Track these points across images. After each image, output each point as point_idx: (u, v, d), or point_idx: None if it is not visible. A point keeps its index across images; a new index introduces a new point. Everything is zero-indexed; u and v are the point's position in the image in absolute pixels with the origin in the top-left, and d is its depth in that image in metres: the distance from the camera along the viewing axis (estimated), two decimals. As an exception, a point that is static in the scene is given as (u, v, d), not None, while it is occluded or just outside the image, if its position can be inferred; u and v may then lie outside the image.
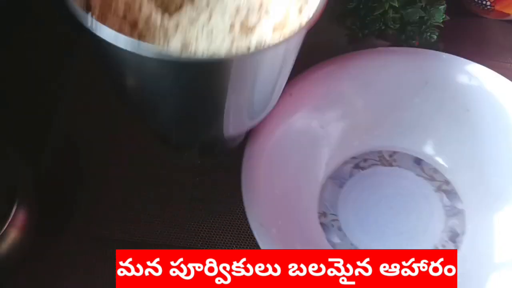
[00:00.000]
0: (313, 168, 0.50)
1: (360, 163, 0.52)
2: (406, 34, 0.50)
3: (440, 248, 0.47)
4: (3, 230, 0.39)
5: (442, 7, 0.50)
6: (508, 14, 0.64)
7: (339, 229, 0.48)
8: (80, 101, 0.54)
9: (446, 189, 0.50)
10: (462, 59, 0.50)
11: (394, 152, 0.52)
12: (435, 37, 0.50)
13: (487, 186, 0.48)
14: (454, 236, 0.47)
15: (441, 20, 0.50)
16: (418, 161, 0.51)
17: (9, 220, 0.40)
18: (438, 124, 0.51)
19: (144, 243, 0.47)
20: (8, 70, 0.55)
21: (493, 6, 0.63)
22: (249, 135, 0.46)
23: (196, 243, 0.48)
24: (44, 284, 0.45)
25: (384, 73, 0.51)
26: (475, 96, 0.49)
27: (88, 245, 0.47)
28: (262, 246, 0.41)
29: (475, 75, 0.49)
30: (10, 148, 0.43)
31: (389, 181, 0.51)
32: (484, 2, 0.63)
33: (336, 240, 0.48)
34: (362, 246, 0.47)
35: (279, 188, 0.47)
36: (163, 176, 0.50)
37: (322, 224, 0.48)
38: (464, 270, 0.42)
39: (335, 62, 0.51)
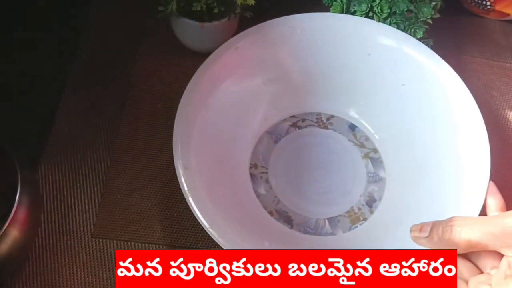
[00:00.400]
0: (252, 121, 0.52)
1: (298, 122, 0.54)
2: (391, 25, 0.50)
3: (356, 210, 0.49)
4: (3, 230, 0.39)
5: (434, 3, 0.50)
6: (508, 14, 0.64)
7: (267, 181, 0.50)
8: (81, 101, 0.54)
9: (373, 157, 0.52)
10: (406, 35, 0.51)
11: (332, 116, 0.54)
12: (421, 33, 0.50)
13: (410, 159, 0.50)
14: (371, 201, 0.50)
15: (430, 16, 0.50)
16: (352, 127, 0.54)
17: (9, 220, 0.40)
18: (375, 94, 0.53)
19: (144, 243, 0.47)
20: (8, 70, 0.55)
21: (493, 6, 0.63)
22: (191, 82, 0.47)
23: (196, 243, 0.48)
24: (44, 284, 0.45)
25: (330, 38, 0.52)
26: (412, 72, 0.51)
27: (88, 245, 0.47)
28: (184, 188, 0.42)
29: (414, 52, 0.50)
30: (10, 148, 0.43)
31: (322, 143, 0.53)
32: (484, 2, 0.63)
33: (261, 191, 0.50)
34: (285, 200, 0.49)
35: (214, 136, 0.48)
36: (163, 176, 0.50)
37: (251, 174, 0.51)
38: (374, 233, 0.47)
39: (284, 21, 0.51)
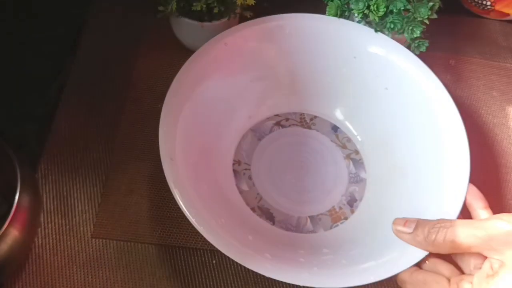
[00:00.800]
0: (237, 117, 0.53)
1: (282, 121, 0.55)
2: (387, 23, 0.50)
3: (337, 209, 0.50)
4: (3, 230, 0.39)
5: (431, 4, 0.50)
6: (508, 14, 0.64)
7: (249, 178, 0.51)
8: (81, 101, 0.54)
9: (354, 158, 0.53)
10: (391, 40, 0.51)
11: (315, 117, 0.55)
12: (418, 32, 0.50)
13: (391, 161, 0.51)
14: (352, 201, 0.51)
15: (426, 16, 0.50)
16: (335, 129, 0.55)
17: (9, 220, 0.40)
18: (358, 97, 0.54)
19: (144, 243, 0.47)
20: (8, 70, 0.55)
21: (493, 6, 0.63)
22: (179, 74, 0.47)
23: (196, 243, 0.48)
24: (44, 284, 0.45)
25: (317, 39, 0.52)
26: (395, 76, 0.51)
27: (88, 245, 0.47)
28: (169, 178, 0.42)
29: (398, 57, 0.51)
30: (10, 148, 0.43)
31: (305, 142, 0.54)
32: (484, 2, 0.63)
33: (244, 187, 0.51)
34: (267, 197, 0.50)
35: (199, 130, 0.48)
36: (163, 176, 0.50)
37: (234, 171, 0.51)
38: (354, 232, 0.48)
39: (273, 19, 0.51)
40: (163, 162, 0.43)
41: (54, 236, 0.47)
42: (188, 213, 0.41)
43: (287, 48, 0.52)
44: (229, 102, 0.52)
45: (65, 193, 0.49)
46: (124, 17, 0.60)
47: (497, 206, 0.53)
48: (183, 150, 0.45)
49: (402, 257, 0.41)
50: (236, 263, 0.47)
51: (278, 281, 0.47)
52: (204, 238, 0.47)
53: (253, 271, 0.47)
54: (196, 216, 0.41)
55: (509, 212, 0.38)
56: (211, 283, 0.46)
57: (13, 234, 0.41)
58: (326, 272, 0.42)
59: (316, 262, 0.44)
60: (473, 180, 0.44)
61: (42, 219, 0.48)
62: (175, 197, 0.42)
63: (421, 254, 0.41)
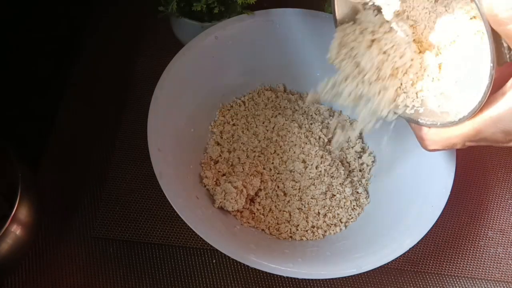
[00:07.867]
0: None
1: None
2: None
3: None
4: (3, 230, 0.39)
5: None
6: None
7: None
8: (81, 101, 0.54)
9: None
10: None
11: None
12: None
13: (379, 156, 0.52)
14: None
15: None
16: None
17: (10, 219, 0.40)
18: None
19: (144, 243, 0.48)
20: (9, 70, 0.55)
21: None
22: (167, 68, 0.48)
23: (196, 242, 0.48)
24: (44, 284, 0.45)
25: (306, 33, 0.53)
26: None
27: (88, 245, 0.47)
28: (156, 168, 0.42)
29: None
30: (10, 148, 0.43)
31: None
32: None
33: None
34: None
35: (189, 123, 0.49)
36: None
37: None
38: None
39: (264, 14, 0.52)
40: (151, 152, 0.43)
41: (54, 236, 0.47)
42: (172, 202, 0.41)
43: (277, 43, 0.53)
44: (220, 95, 0.52)
45: (65, 193, 0.49)
46: (124, 17, 0.60)
47: (496, 206, 0.53)
48: (172, 142, 0.46)
49: (386, 251, 0.42)
50: (236, 262, 0.47)
51: (278, 279, 0.47)
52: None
53: (253, 270, 0.47)
54: (181, 205, 0.41)
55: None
56: (211, 283, 0.47)
57: (14, 233, 0.41)
58: (309, 263, 0.43)
59: (301, 253, 0.44)
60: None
61: (42, 218, 0.48)
62: (162, 188, 0.42)
63: (403, 250, 0.41)
